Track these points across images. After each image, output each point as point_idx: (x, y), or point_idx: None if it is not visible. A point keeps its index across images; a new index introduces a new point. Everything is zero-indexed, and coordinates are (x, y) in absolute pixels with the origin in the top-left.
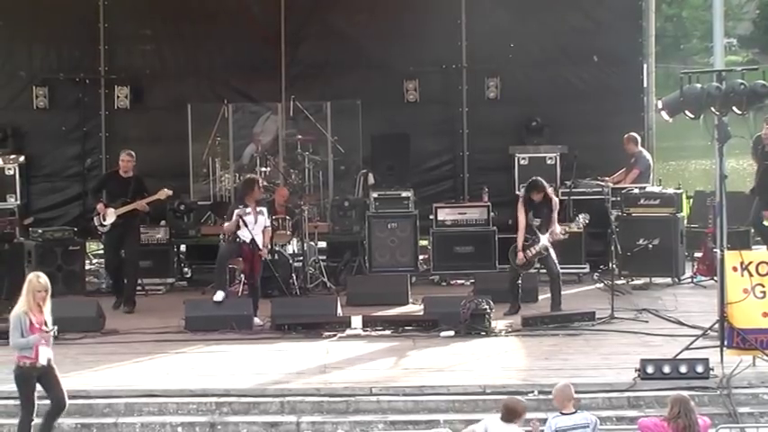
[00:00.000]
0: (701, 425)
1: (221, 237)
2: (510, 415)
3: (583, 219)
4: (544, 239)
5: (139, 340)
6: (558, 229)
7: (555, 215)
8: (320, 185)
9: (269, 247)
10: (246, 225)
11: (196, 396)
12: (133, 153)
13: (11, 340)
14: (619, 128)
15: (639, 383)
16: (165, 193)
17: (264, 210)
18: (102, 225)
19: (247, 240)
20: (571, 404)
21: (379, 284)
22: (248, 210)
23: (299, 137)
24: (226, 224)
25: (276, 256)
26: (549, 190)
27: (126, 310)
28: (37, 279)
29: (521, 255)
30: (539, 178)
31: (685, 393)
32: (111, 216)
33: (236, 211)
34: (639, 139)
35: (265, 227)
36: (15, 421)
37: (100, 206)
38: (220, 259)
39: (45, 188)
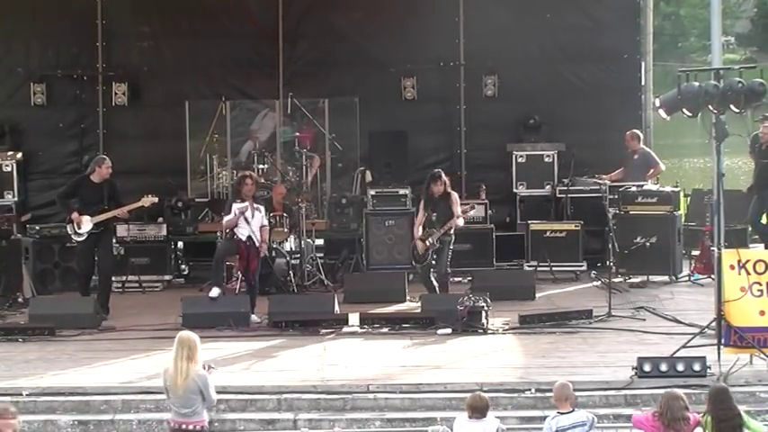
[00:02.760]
0: (692, 420)
1: (218, 234)
2: (477, 411)
3: (470, 210)
4: (437, 231)
5: (136, 337)
6: (455, 220)
7: (455, 208)
8: (318, 183)
9: (267, 243)
10: (247, 221)
11: None
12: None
13: (213, 396)
14: (617, 126)
15: (636, 381)
16: (149, 200)
17: (262, 207)
18: (76, 234)
19: (243, 238)
20: (569, 403)
21: (377, 282)
22: (246, 204)
23: (297, 134)
24: (225, 219)
25: (273, 254)
26: (448, 185)
27: (102, 315)
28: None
29: (419, 244)
30: (437, 170)
31: (678, 390)
32: (87, 224)
33: (235, 206)
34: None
35: (262, 225)
36: None
37: (75, 215)
38: (217, 256)
39: (42, 185)
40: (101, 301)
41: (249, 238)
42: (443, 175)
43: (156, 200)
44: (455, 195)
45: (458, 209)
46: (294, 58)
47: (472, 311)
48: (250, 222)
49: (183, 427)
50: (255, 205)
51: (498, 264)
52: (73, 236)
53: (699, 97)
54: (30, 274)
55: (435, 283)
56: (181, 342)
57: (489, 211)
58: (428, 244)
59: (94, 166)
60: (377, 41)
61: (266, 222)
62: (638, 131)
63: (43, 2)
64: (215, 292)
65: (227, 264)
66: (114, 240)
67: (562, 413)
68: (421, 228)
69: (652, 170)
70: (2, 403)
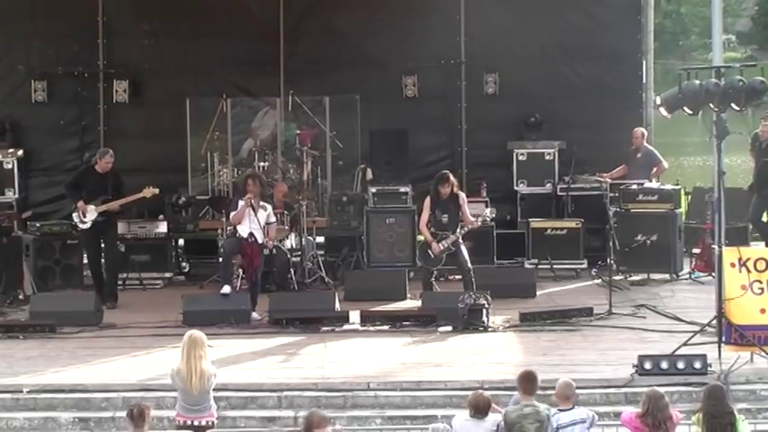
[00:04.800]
0: (674, 418)
1: (219, 231)
2: (480, 411)
3: (489, 212)
4: (452, 236)
5: (137, 334)
6: (470, 218)
7: (465, 208)
8: (318, 180)
9: (273, 242)
10: (255, 211)
11: None
12: (112, 153)
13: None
14: (617, 124)
15: (637, 379)
16: (150, 191)
17: (268, 206)
18: (82, 222)
19: (245, 235)
20: (570, 401)
21: (377, 280)
22: (249, 196)
23: (298, 131)
24: (232, 214)
25: (274, 251)
26: (456, 185)
27: (109, 305)
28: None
29: (435, 246)
30: (445, 171)
31: (659, 389)
32: (91, 213)
33: (241, 202)
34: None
35: (267, 223)
36: (13, 415)
37: (80, 203)
38: (225, 254)
39: (43, 182)
40: (108, 290)
41: (251, 234)
42: (451, 176)
43: (156, 191)
44: (463, 196)
45: (468, 211)
46: (295, 56)
47: (473, 309)
48: (253, 219)
49: (195, 423)
50: (261, 203)
51: (499, 261)
52: (79, 224)
53: (700, 95)
54: (30, 271)
55: (463, 281)
56: (193, 342)
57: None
58: (443, 247)
59: (97, 157)
60: (378, 39)
61: (273, 220)
62: (644, 129)
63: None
64: (226, 289)
65: None
66: None
67: (562, 410)
68: (426, 229)
69: (656, 168)
70: (318, 412)
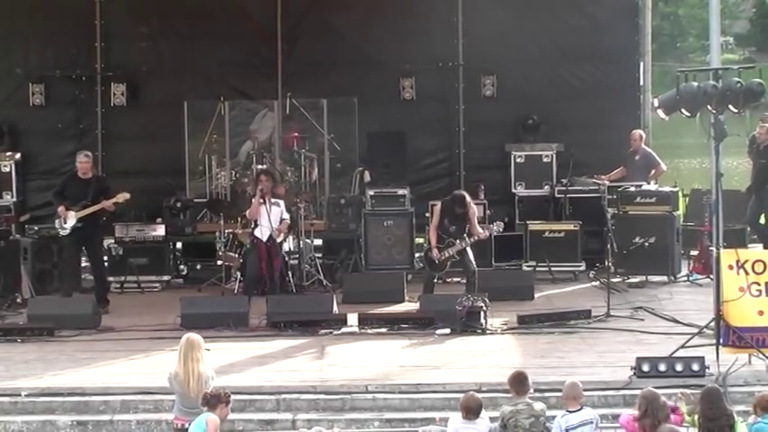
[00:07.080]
0: (674, 420)
1: (217, 234)
2: (471, 412)
3: (496, 227)
4: (458, 244)
5: (135, 337)
6: (479, 230)
7: (474, 220)
8: (316, 183)
9: (285, 233)
10: (266, 205)
11: None
12: (90, 154)
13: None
14: (615, 126)
15: (635, 381)
16: (123, 196)
17: (281, 202)
18: (62, 228)
19: (264, 238)
20: (578, 402)
21: (375, 282)
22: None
23: (295, 134)
24: (248, 210)
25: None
26: (469, 203)
27: (102, 310)
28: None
29: (435, 252)
30: (462, 192)
31: (653, 389)
32: (71, 219)
33: (255, 199)
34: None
35: (282, 219)
36: (11, 418)
37: (60, 209)
38: (250, 274)
39: (41, 185)
40: (99, 295)
41: (270, 237)
42: (467, 197)
43: (128, 196)
44: (473, 209)
45: (476, 223)
46: (293, 59)
47: (471, 312)
48: (264, 218)
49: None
50: (274, 200)
51: (497, 264)
52: (60, 230)
53: (698, 97)
54: (28, 274)
55: (466, 283)
56: (190, 345)
57: (488, 212)
58: (447, 255)
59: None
60: (375, 41)
61: (286, 216)
62: (642, 131)
63: (42, 2)
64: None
65: (226, 264)
66: (113, 241)
67: (571, 411)
68: (434, 234)
69: (654, 171)
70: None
